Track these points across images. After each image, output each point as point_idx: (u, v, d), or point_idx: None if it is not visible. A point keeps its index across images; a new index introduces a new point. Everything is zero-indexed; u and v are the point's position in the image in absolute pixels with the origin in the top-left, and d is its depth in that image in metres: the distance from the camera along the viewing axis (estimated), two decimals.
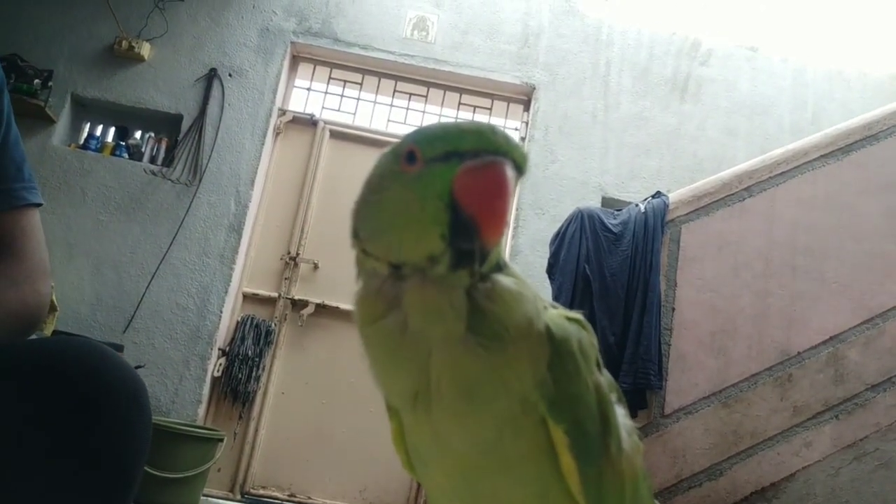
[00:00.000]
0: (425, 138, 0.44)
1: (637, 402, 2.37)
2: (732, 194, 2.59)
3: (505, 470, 0.39)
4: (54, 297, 3.39)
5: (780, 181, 2.61)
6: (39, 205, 0.81)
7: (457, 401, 0.40)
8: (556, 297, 2.49)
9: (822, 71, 4.35)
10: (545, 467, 0.39)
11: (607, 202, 3.95)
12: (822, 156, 2.63)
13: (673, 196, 2.60)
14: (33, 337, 0.84)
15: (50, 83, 3.94)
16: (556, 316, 0.42)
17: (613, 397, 0.44)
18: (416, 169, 0.43)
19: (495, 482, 0.40)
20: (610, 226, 2.55)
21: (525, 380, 0.39)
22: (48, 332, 3.31)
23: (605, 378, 0.45)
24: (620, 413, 0.44)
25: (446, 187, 0.41)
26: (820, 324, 2.49)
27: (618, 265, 2.48)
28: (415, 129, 0.48)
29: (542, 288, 3.60)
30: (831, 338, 2.47)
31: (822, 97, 4.31)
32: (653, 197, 2.62)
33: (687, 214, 2.57)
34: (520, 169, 0.43)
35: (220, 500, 3.57)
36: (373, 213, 0.48)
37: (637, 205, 2.60)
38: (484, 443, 0.39)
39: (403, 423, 0.47)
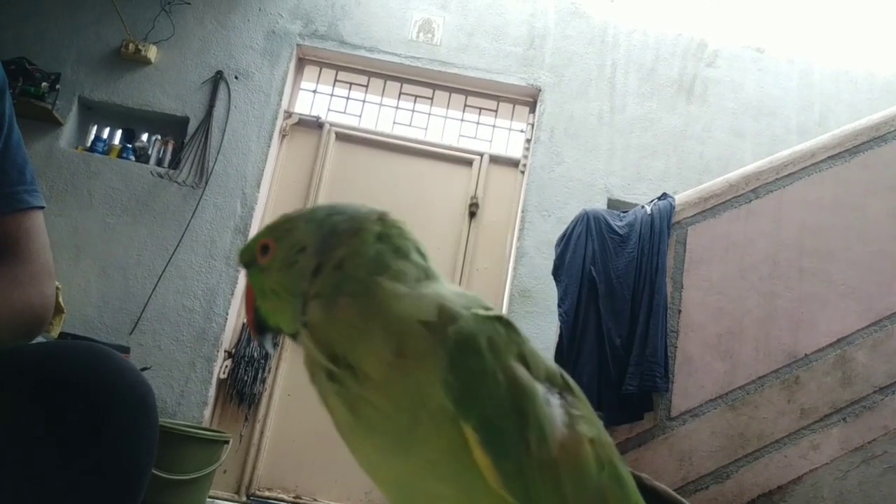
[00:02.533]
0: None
1: (643, 404, 2.36)
2: (739, 196, 2.58)
3: (431, 470, 0.40)
4: (61, 299, 3.40)
5: (787, 183, 2.60)
6: (42, 207, 0.81)
7: (354, 437, 0.43)
8: (561, 299, 2.49)
9: (829, 72, 4.34)
10: (467, 464, 0.40)
11: (613, 204, 3.94)
12: (829, 157, 2.61)
13: (679, 198, 2.59)
14: (40, 339, 0.84)
15: (57, 86, 3.96)
16: (468, 316, 0.43)
17: (543, 388, 0.43)
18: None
19: (426, 484, 0.41)
20: (616, 227, 2.54)
21: (424, 386, 0.40)
22: (55, 333, 3.33)
23: (542, 369, 0.45)
24: (556, 404, 0.43)
25: None
26: (827, 326, 2.47)
27: (624, 267, 2.47)
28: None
29: (547, 289, 3.60)
30: (839, 340, 2.46)
31: (829, 98, 4.29)
32: (659, 199, 2.62)
33: (693, 216, 2.56)
34: (245, 264, 0.53)
35: (226, 502, 3.58)
36: None
37: (643, 206, 2.60)
38: (403, 453, 0.41)
39: None
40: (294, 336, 0.48)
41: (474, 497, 0.39)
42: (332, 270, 0.45)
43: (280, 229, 0.49)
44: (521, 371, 0.43)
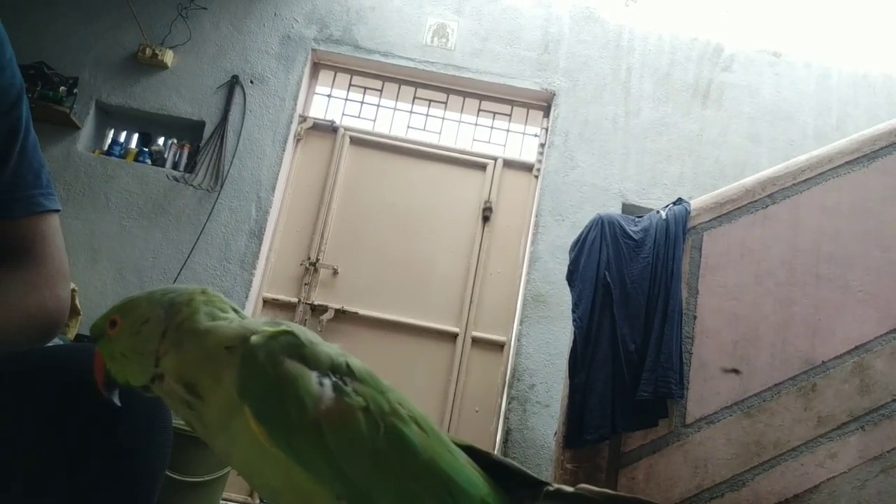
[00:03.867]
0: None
1: (658, 410, 2.34)
2: (755, 201, 2.56)
3: (253, 450, 0.56)
4: (77, 302, 3.43)
5: (804, 188, 2.57)
6: (58, 210, 0.82)
7: (211, 441, 0.60)
8: (576, 304, 2.47)
9: (847, 75, 4.30)
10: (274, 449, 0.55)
11: (628, 209, 3.92)
12: (847, 162, 2.59)
13: (695, 203, 2.58)
14: (56, 341, 0.84)
15: (75, 90, 4.00)
16: (257, 335, 0.58)
17: (315, 374, 0.57)
18: None
19: (255, 461, 0.57)
20: (631, 233, 2.53)
21: (230, 392, 0.56)
22: (71, 336, 3.35)
23: (325, 362, 0.58)
24: (329, 384, 0.57)
25: None
26: (845, 333, 2.45)
27: (638, 272, 2.46)
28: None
29: (561, 294, 3.59)
30: (857, 347, 2.43)
31: (847, 102, 4.26)
32: (674, 203, 2.60)
33: (709, 221, 2.54)
34: (95, 338, 0.64)
35: None
36: None
37: (658, 211, 2.58)
38: (235, 445, 0.57)
39: None
40: (144, 388, 0.61)
41: (277, 464, 0.55)
42: (175, 329, 0.59)
43: (125, 308, 0.62)
44: (289, 364, 0.56)
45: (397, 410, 0.58)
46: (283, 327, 0.59)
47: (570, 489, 0.58)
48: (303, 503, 0.55)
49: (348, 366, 0.59)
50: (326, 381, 0.57)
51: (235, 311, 0.65)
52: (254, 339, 0.57)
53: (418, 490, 0.55)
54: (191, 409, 0.58)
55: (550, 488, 0.59)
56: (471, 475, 0.58)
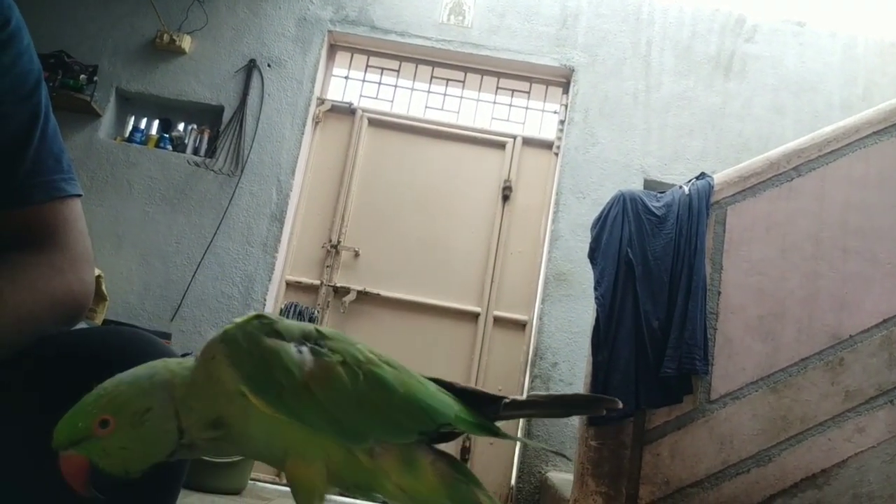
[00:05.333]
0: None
1: (682, 387, 2.33)
2: (780, 174, 2.52)
3: (269, 428, 0.61)
4: (104, 288, 3.48)
5: (830, 160, 2.53)
6: (79, 195, 0.82)
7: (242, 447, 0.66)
8: (598, 282, 2.46)
9: (874, 44, 4.20)
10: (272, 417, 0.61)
11: (650, 185, 3.88)
12: (874, 132, 2.53)
13: (718, 177, 2.54)
14: (83, 325, 0.86)
15: (95, 78, 4.03)
16: (230, 326, 0.63)
17: (294, 344, 0.63)
18: None
19: (271, 440, 0.63)
20: (653, 208, 2.50)
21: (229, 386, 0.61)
22: (98, 321, 3.41)
23: (297, 332, 0.64)
24: (306, 350, 0.63)
25: None
26: (873, 306, 2.41)
27: (661, 249, 2.44)
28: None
29: (583, 272, 3.57)
30: (885, 320, 2.40)
31: (874, 71, 4.16)
32: (697, 178, 2.57)
33: (733, 196, 2.51)
34: (73, 442, 0.60)
35: (267, 485, 3.64)
36: None
37: (681, 187, 2.55)
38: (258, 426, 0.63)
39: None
40: (169, 455, 0.63)
41: (282, 427, 0.61)
42: (182, 403, 0.62)
43: (112, 405, 0.61)
44: (267, 340, 0.62)
45: (370, 357, 0.65)
46: (251, 313, 0.65)
47: (522, 398, 0.68)
48: (310, 453, 0.63)
49: (318, 331, 0.66)
50: (304, 349, 0.64)
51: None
52: (228, 328, 0.63)
53: (402, 419, 0.64)
54: (217, 440, 0.62)
55: (507, 400, 0.67)
56: (443, 398, 0.66)
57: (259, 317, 0.64)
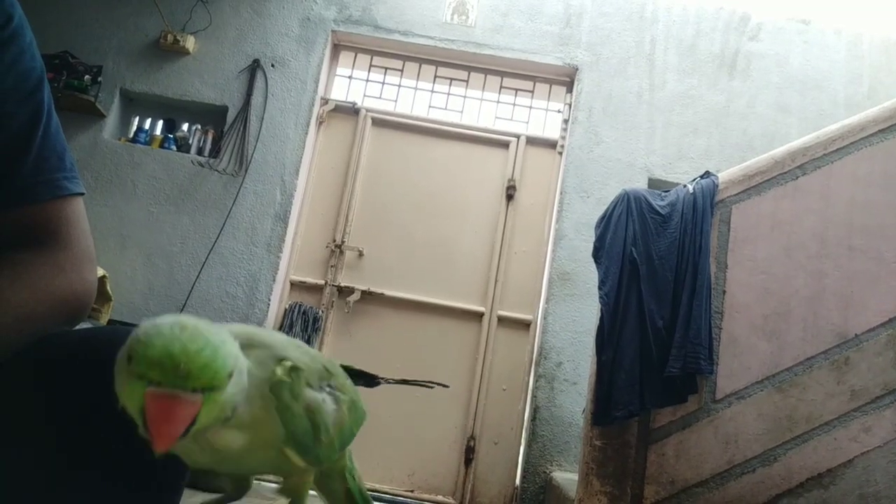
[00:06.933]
0: (134, 354, 0.54)
1: (687, 386, 2.33)
2: (785, 173, 2.51)
3: (260, 454, 0.65)
4: (109, 288, 3.48)
5: (835, 158, 2.52)
6: (82, 194, 0.82)
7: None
8: (602, 281, 2.46)
9: (879, 42, 4.18)
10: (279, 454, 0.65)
11: (654, 183, 3.87)
12: (879, 131, 2.52)
13: (723, 176, 2.53)
14: (86, 325, 0.85)
15: (99, 78, 4.04)
16: (275, 383, 0.63)
17: (321, 396, 0.67)
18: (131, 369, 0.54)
19: (253, 463, 0.68)
20: (657, 207, 2.49)
21: (266, 427, 0.63)
22: (104, 321, 3.41)
23: (316, 376, 0.67)
24: (329, 400, 0.68)
25: (140, 399, 0.52)
26: (879, 305, 2.40)
27: (666, 248, 2.43)
28: (142, 331, 0.57)
29: (587, 272, 3.57)
30: (891, 319, 2.39)
31: (879, 69, 4.14)
32: (701, 177, 2.56)
33: (737, 194, 2.50)
34: (210, 388, 0.54)
35: (273, 484, 3.64)
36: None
37: (685, 185, 2.55)
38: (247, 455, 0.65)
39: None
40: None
41: (283, 460, 0.65)
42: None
43: (238, 367, 0.59)
44: (309, 394, 0.64)
45: (346, 383, 0.72)
46: (288, 364, 0.64)
47: (396, 379, 0.86)
48: (297, 471, 0.68)
49: (325, 367, 0.69)
50: (328, 398, 0.68)
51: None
52: (279, 378, 0.63)
53: (353, 421, 0.73)
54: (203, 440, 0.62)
55: (380, 379, 0.82)
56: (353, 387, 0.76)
57: (289, 367, 0.64)
